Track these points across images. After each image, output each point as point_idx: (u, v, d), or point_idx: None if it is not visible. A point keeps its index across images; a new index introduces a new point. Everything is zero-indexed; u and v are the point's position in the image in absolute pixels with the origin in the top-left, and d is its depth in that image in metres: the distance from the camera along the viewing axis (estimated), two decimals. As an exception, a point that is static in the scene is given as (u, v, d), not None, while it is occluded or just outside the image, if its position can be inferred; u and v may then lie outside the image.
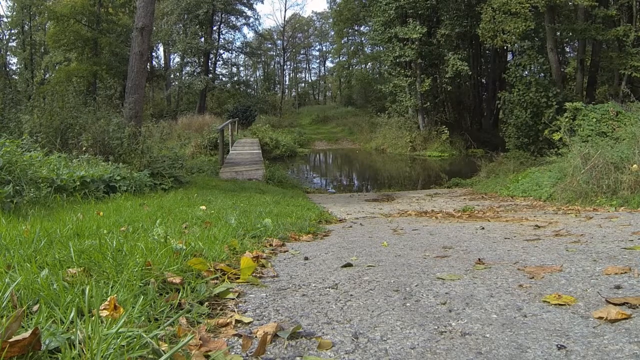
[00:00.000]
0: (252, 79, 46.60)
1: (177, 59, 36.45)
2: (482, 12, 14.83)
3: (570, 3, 13.24)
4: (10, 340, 0.84)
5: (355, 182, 16.77)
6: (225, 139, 15.96)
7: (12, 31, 32.53)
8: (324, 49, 52.01)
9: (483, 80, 25.42)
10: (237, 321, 1.25)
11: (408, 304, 1.42)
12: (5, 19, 31.60)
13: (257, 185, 9.55)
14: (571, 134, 9.61)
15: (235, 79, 37.87)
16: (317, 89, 54.54)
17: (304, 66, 54.59)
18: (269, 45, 47.48)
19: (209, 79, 30.93)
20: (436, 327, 1.20)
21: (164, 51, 36.76)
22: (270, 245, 2.56)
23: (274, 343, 1.11)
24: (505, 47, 20.88)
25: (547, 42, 14.87)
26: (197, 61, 32.68)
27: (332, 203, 7.53)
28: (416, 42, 19.79)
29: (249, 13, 35.95)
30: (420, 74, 20.78)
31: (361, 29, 37.87)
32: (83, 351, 0.88)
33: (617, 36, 13.48)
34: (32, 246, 1.73)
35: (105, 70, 26.01)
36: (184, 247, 1.83)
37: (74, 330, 0.95)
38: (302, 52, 52.39)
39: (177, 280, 1.46)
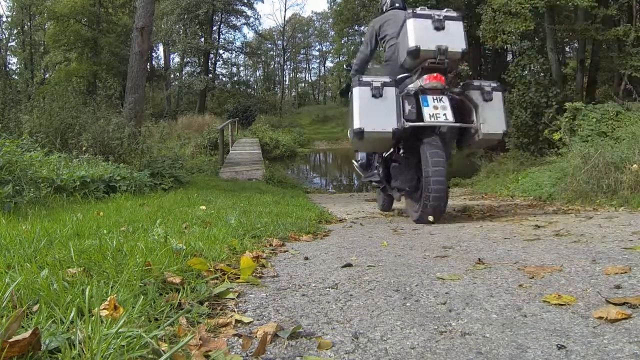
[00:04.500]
0: (252, 79, 46.68)
1: (177, 59, 36.49)
2: (482, 13, 14.81)
3: (570, 4, 13.19)
4: (10, 340, 0.84)
5: (355, 182, 16.76)
6: (225, 139, 15.97)
7: (12, 31, 32.51)
8: (324, 49, 52.06)
9: (483, 80, 25.36)
10: (237, 321, 1.25)
11: (408, 304, 1.42)
12: (5, 19, 31.59)
13: (257, 185, 9.55)
14: (571, 134, 9.61)
15: (235, 79, 37.96)
16: (317, 89, 54.52)
17: (304, 66, 54.62)
18: (269, 45, 47.50)
19: (209, 79, 30.95)
20: (436, 327, 1.20)
21: (164, 51, 36.78)
22: (270, 245, 2.56)
23: (274, 343, 1.11)
24: (505, 47, 20.87)
25: (547, 42, 14.87)
26: (197, 61, 32.73)
27: (332, 203, 7.53)
28: (416, 42, 19.73)
29: (249, 13, 36.05)
30: (420, 74, 20.72)
31: (361, 29, 37.86)
32: (83, 351, 0.88)
33: (617, 36, 13.46)
34: (32, 246, 1.73)
35: (105, 70, 26.01)
36: (184, 247, 1.83)
37: (74, 330, 0.95)
38: (302, 52, 52.40)
39: (177, 280, 1.46)
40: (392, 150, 3.69)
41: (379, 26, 4.03)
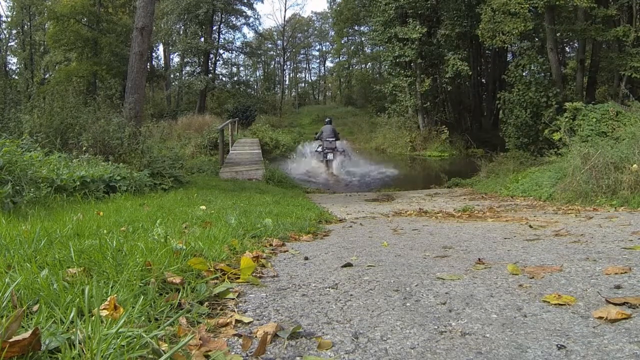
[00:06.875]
0: (252, 79, 46.48)
1: (177, 59, 36.46)
2: (482, 12, 14.81)
3: (569, 4, 13.18)
4: (10, 340, 0.84)
5: (355, 182, 16.72)
6: (225, 139, 15.97)
7: (12, 31, 32.51)
8: (324, 49, 51.96)
9: (483, 80, 25.40)
10: (237, 321, 1.25)
11: (408, 304, 1.42)
12: (5, 19, 31.58)
13: (257, 185, 9.56)
14: (571, 134, 9.60)
15: (235, 79, 37.86)
16: (317, 89, 54.48)
17: (304, 66, 54.53)
18: (269, 45, 47.42)
19: (209, 79, 30.89)
20: (436, 327, 1.20)
21: (164, 51, 36.74)
22: (270, 245, 2.56)
23: (274, 343, 1.11)
24: (505, 47, 20.87)
25: (547, 42, 14.86)
26: (197, 61, 32.65)
27: (332, 203, 7.53)
28: (416, 42, 19.77)
29: (249, 13, 35.92)
30: (420, 74, 20.76)
31: (361, 29, 37.86)
32: (83, 351, 0.88)
33: (617, 36, 13.45)
34: (32, 246, 1.73)
35: (105, 70, 26.01)
36: (184, 247, 1.83)
37: (74, 330, 0.95)
38: (302, 52, 52.31)
39: (177, 280, 1.45)
40: (323, 160, 15.46)
41: (322, 130, 15.72)
